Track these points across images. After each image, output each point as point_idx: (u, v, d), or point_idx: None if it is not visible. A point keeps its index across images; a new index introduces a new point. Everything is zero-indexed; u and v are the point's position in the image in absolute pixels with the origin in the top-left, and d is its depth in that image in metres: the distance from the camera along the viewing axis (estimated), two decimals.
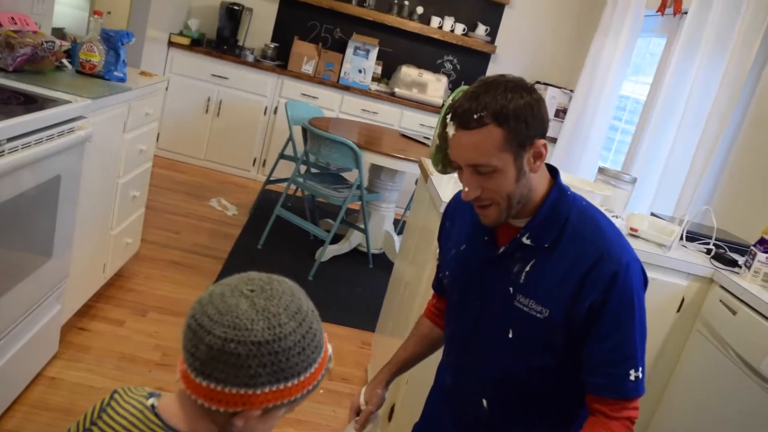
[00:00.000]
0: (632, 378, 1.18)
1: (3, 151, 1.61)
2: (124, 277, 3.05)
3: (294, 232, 4.18)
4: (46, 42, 2.25)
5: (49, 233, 2.02)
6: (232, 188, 4.94)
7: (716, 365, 1.99)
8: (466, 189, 1.16)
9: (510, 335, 1.25)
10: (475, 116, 1.10)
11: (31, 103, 1.91)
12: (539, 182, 1.21)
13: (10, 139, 1.63)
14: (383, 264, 4.03)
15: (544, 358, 1.25)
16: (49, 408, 2.10)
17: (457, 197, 1.47)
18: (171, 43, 4.94)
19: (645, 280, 1.23)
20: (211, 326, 0.82)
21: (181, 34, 5.08)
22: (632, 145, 3.66)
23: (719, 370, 1.97)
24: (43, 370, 2.25)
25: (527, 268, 1.21)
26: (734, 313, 1.97)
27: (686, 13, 3.52)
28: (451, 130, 1.15)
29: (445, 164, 1.45)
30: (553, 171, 1.26)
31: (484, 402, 1.33)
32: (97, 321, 2.65)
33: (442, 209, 2.00)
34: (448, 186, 2.24)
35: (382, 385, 1.53)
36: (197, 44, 5.10)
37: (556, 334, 1.20)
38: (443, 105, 1.22)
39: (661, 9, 3.90)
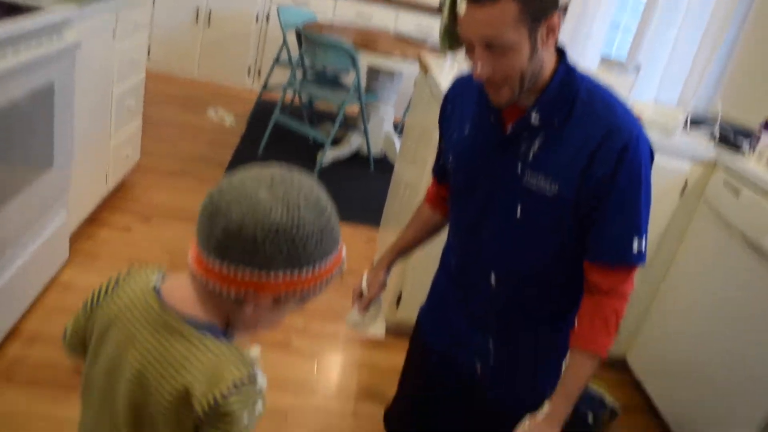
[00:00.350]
0: (635, 246, 1.20)
1: None
2: (127, 187, 3.05)
3: (293, 139, 4.16)
4: None
5: (48, 142, 2.01)
6: (228, 99, 4.87)
7: (719, 246, 2.03)
8: (478, 67, 1.12)
9: (518, 216, 1.26)
10: None
11: (15, 11, 1.84)
12: (548, 60, 1.17)
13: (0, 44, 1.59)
14: (385, 167, 4.02)
15: (552, 240, 1.26)
16: (65, 310, 2.15)
17: (458, 80, 1.43)
18: None
19: (651, 155, 1.22)
20: (228, 209, 0.79)
21: None
22: (638, 30, 3.56)
23: (722, 251, 2.01)
24: (56, 276, 2.29)
25: (535, 147, 1.20)
26: (737, 194, 1.98)
27: None
28: (462, 6, 1.10)
29: (453, 42, 1.41)
30: (558, 50, 1.22)
31: (492, 281, 1.35)
32: (104, 229, 2.67)
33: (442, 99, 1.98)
34: (448, 77, 2.20)
35: (383, 269, 1.55)
36: None
37: (565, 213, 1.21)
38: None
39: None
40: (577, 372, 1.26)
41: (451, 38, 1.39)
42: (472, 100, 1.31)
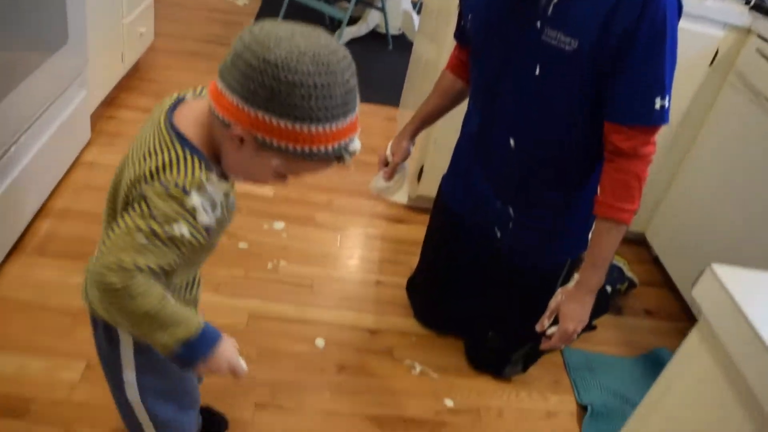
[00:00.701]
0: (658, 105, 1.17)
1: None
2: (143, 68, 3.02)
3: (309, 17, 4.01)
4: None
5: (61, 17, 1.96)
6: None
7: (749, 117, 1.98)
8: None
9: (537, 73, 1.23)
10: None
11: None
12: None
13: None
14: (403, 45, 3.92)
15: (570, 99, 1.24)
16: (92, 188, 2.20)
17: None
18: None
19: (680, 8, 1.17)
20: (243, 36, 0.80)
21: None
22: None
23: (752, 122, 1.97)
24: (80, 156, 2.32)
25: (555, 0, 1.16)
26: None
27: None
28: None
29: None
30: None
31: (512, 143, 1.34)
32: (123, 109, 2.67)
33: None
34: None
35: (407, 137, 1.55)
36: None
37: (585, 69, 1.18)
38: None
39: None
40: (602, 240, 1.28)
41: None
42: None
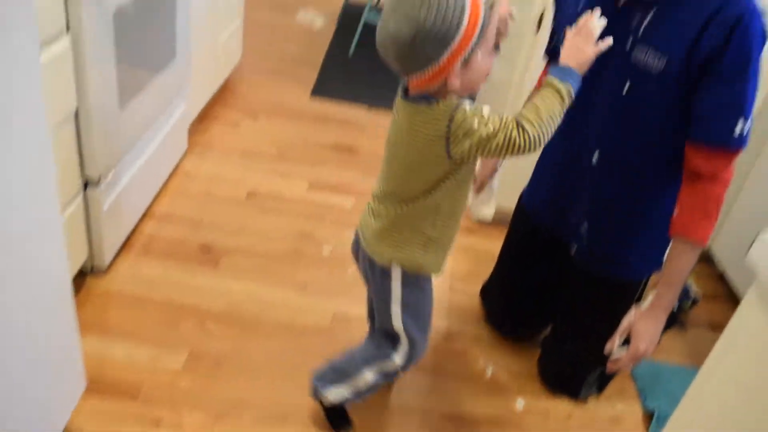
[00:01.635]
0: (738, 129, 1.22)
1: None
2: (231, 85, 3.23)
3: None
4: None
5: (171, 33, 2.17)
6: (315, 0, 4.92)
7: None
8: None
9: (625, 91, 1.30)
10: None
11: None
12: None
13: None
14: None
15: (656, 118, 1.30)
16: (190, 194, 2.39)
17: None
18: None
19: (764, 35, 1.21)
20: (379, 45, 1.13)
21: None
22: None
23: None
24: (178, 166, 2.52)
25: (647, 19, 1.24)
26: None
27: None
28: None
29: None
30: None
31: (594, 159, 1.41)
32: (215, 123, 2.88)
33: None
34: None
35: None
36: None
37: (671, 89, 1.24)
38: None
39: None
40: (678, 260, 1.32)
41: None
42: None
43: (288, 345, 1.84)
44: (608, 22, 1.28)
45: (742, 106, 1.22)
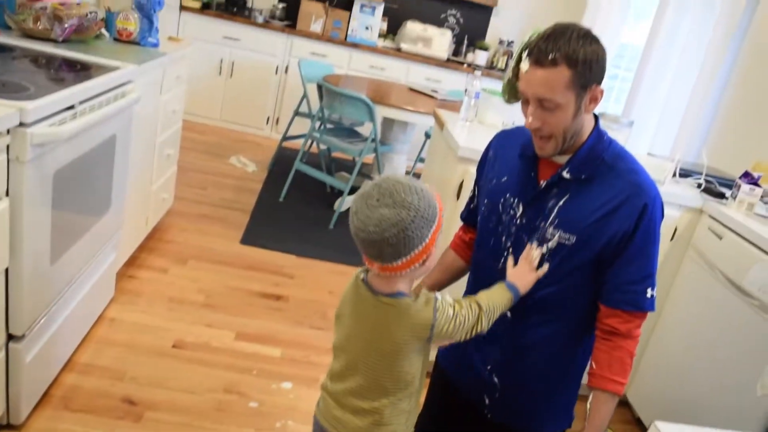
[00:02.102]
0: (648, 295, 1.39)
1: (76, 113, 1.84)
2: (162, 229, 3.29)
3: (311, 186, 4.42)
4: (90, 13, 2.44)
5: (108, 188, 2.26)
6: (249, 146, 5.15)
7: (706, 286, 2.25)
8: (530, 120, 1.34)
9: (540, 260, 1.42)
10: (549, 56, 1.26)
11: (86, 69, 2.12)
12: (586, 123, 1.38)
13: (81, 102, 1.86)
14: None
15: (567, 282, 1.42)
16: (114, 343, 2.37)
17: (502, 133, 1.62)
18: (182, 7, 5.09)
19: (662, 213, 1.41)
20: (367, 233, 1.19)
21: None
22: (632, 90, 3.85)
23: (708, 290, 2.23)
24: (104, 313, 2.51)
25: (561, 203, 1.39)
26: (720, 238, 2.22)
27: None
28: (525, 66, 1.32)
29: (512, 96, 1.61)
30: (595, 118, 1.43)
31: (509, 315, 1.52)
32: (143, 269, 2.90)
33: (459, 154, 2.23)
34: (461, 132, 2.46)
35: None
36: (207, 7, 5.24)
37: (582, 259, 1.38)
38: (523, 41, 1.40)
39: None
40: (600, 410, 1.42)
41: (512, 92, 1.60)
42: (515, 152, 1.49)
43: None
44: (528, 202, 1.43)
45: (651, 275, 1.40)
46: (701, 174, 2.54)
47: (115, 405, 2.07)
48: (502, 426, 1.60)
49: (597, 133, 1.40)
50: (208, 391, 2.23)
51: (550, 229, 1.40)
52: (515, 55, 1.45)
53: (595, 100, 1.34)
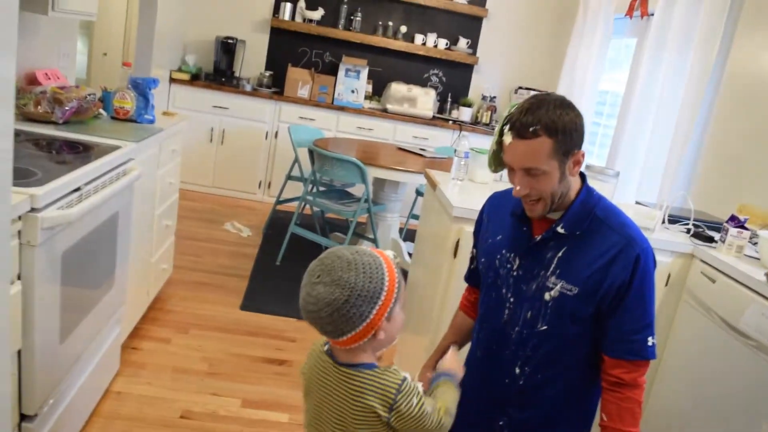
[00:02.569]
0: (650, 343, 1.44)
1: (82, 195, 1.89)
2: (162, 299, 3.32)
3: (307, 248, 4.46)
4: (89, 95, 2.53)
5: (111, 264, 2.30)
6: (242, 211, 5.22)
7: (703, 329, 2.29)
8: (518, 188, 1.42)
9: (543, 311, 1.47)
10: (530, 129, 1.34)
11: (88, 150, 2.19)
12: (574, 183, 1.46)
13: (86, 183, 1.92)
14: None
15: (573, 327, 1.47)
16: (121, 417, 2.37)
17: (494, 195, 1.71)
18: (172, 80, 5.23)
19: (655, 262, 1.48)
20: (307, 311, 1.24)
21: (180, 70, 5.37)
22: (614, 139, 3.97)
23: (706, 333, 2.27)
24: (109, 386, 2.52)
25: (560, 254, 1.45)
26: (713, 281, 2.28)
27: (653, 15, 3.85)
28: (507, 139, 1.40)
29: (498, 165, 1.71)
30: (581, 175, 1.51)
31: (517, 370, 1.55)
32: (146, 341, 2.91)
33: (454, 214, 2.30)
34: (453, 192, 2.53)
35: (431, 369, 1.75)
36: (196, 78, 5.39)
37: (584, 308, 1.44)
38: (504, 114, 1.48)
39: (629, 12, 4.23)
40: None
41: (497, 161, 1.70)
42: (506, 211, 1.57)
43: None
44: (526, 253, 1.50)
45: (650, 324, 1.46)
46: (689, 219, 2.62)
47: None
48: None
49: (586, 189, 1.48)
50: None
51: (552, 279, 1.45)
52: (497, 128, 1.54)
53: (578, 163, 1.42)
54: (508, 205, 1.57)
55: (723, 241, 2.39)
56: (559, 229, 1.45)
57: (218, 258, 4.10)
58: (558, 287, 1.45)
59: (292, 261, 4.22)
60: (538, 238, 1.48)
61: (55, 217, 1.69)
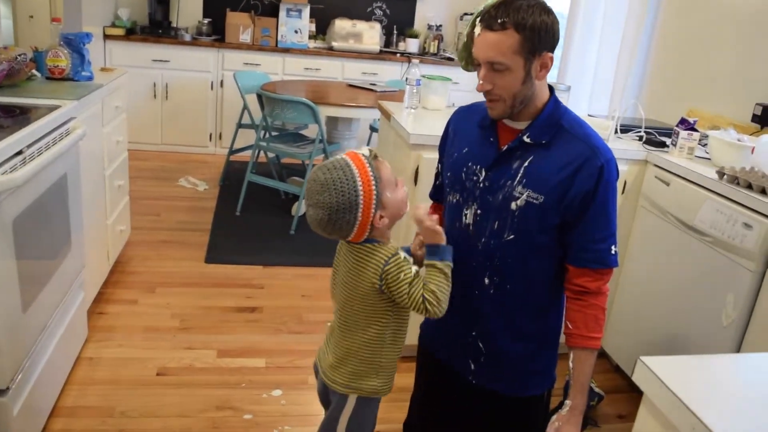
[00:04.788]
0: (613, 251, 1.48)
1: (25, 158, 1.82)
2: (124, 262, 3.26)
3: (265, 195, 4.42)
4: (19, 55, 2.40)
5: (66, 228, 2.23)
6: (195, 165, 5.11)
7: (661, 231, 2.36)
8: (481, 82, 1.41)
9: (510, 220, 1.48)
10: (499, 20, 1.35)
11: (26, 113, 2.09)
12: (541, 92, 1.45)
13: (29, 146, 1.84)
14: None
15: (538, 241, 1.49)
16: (96, 382, 2.35)
17: (460, 109, 1.69)
18: (106, 36, 5.00)
19: (617, 172, 1.49)
20: (319, 230, 1.43)
21: (113, 25, 5.14)
22: (563, 55, 3.97)
23: (664, 235, 2.34)
24: (80, 353, 2.49)
25: (526, 164, 1.46)
26: (668, 184, 2.33)
27: None
28: (477, 30, 1.40)
29: (468, 62, 1.68)
30: (550, 88, 1.50)
31: (486, 281, 1.56)
32: (112, 304, 2.88)
33: (411, 141, 2.29)
34: (408, 120, 2.51)
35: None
36: (132, 33, 5.17)
37: (549, 217, 1.45)
38: (475, 12, 1.49)
39: None
40: (583, 367, 1.50)
41: (468, 58, 1.66)
42: (473, 125, 1.57)
43: None
44: (491, 165, 1.49)
45: (613, 233, 1.49)
46: (641, 127, 2.66)
47: None
48: (485, 391, 1.66)
49: (554, 100, 1.48)
50: (201, 412, 2.23)
51: (519, 188, 1.46)
52: (471, 20, 1.52)
53: (545, 66, 1.41)
54: (475, 118, 1.56)
55: (674, 145, 2.44)
56: (525, 138, 1.45)
57: (176, 214, 4.03)
58: (524, 196, 1.46)
59: (252, 210, 4.18)
60: (505, 148, 1.48)
61: (0, 183, 1.62)
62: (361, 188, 1.38)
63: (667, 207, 2.32)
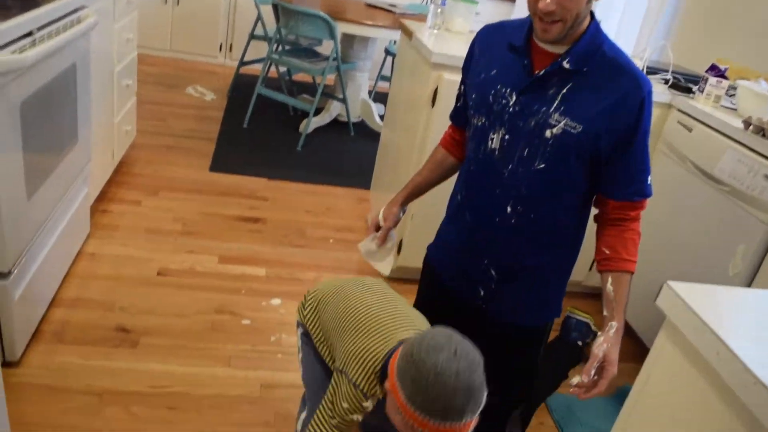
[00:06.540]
0: (649, 180, 1.46)
1: (35, 40, 1.75)
2: (128, 163, 3.22)
3: (274, 110, 4.35)
4: None
5: (73, 120, 2.18)
6: (204, 75, 5.01)
7: (676, 177, 2.32)
8: (548, 1, 1.29)
9: (540, 156, 1.43)
10: None
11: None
12: (587, 15, 1.36)
13: (39, 28, 1.77)
14: (364, 131, 4.26)
15: (573, 166, 1.43)
16: (98, 277, 2.35)
17: (486, 27, 1.59)
18: None
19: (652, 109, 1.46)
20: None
21: None
22: None
23: (678, 181, 2.30)
24: (82, 248, 2.48)
25: (564, 91, 1.38)
26: (690, 130, 2.28)
27: None
28: None
29: None
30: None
31: (509, 209, 1.51)
32: (116, 203, 2.86)
33: (433, 60, 2.21)
34: (431, 40, 2.43)
35: (398, 204, 1.72)
36: None
37: (586, 146, 1.40)
38: None
39: None
40: (623, 290, 1.50)
41: None
42: (502, 45, 1.48)
43: (219, 419, 1.85)
44: (524, 90, 1.42)
45: (648, 166, 1.46)
46: (667, 71, 2.58)
47: (109, 334, 2.08)
48: (494, 320, 1.66)
49: (596, 24, 1.38)
50: (200, 314, 2.25)
51: (555, 115, 1.40)
52: None
53: None
54: (504, 38, 1.48)
55: (701, 91, 2.37)
56: (565, 64, 1.37)
57: (183, 122, 3.97)
58: (561, 124, 1.39)
59: (260, 123, 4.12)
60: (541, 72, 1.40)
61: (9, 61, 1.57)
62: None
63: (687, 153, 2.28)
